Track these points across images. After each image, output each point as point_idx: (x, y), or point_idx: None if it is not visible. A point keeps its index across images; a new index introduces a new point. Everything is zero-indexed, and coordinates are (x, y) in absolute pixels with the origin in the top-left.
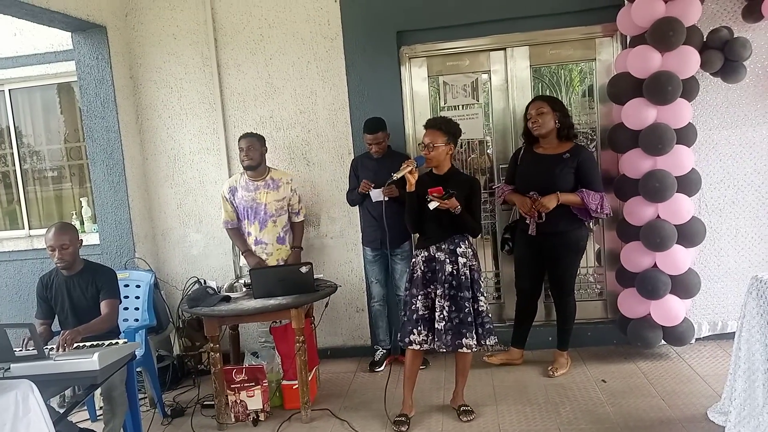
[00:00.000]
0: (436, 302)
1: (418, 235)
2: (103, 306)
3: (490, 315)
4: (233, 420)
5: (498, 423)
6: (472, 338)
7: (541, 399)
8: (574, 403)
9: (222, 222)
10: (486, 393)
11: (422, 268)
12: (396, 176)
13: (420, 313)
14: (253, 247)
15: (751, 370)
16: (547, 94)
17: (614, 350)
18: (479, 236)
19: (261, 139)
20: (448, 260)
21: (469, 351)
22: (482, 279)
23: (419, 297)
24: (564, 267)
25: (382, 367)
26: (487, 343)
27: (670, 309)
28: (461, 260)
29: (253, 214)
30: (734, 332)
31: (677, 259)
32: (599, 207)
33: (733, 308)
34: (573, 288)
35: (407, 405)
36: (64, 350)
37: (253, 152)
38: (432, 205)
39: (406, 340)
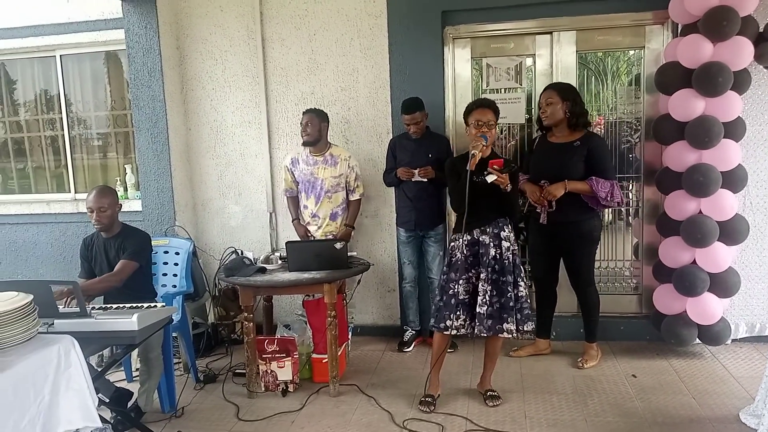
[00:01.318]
0: (480, 286)
1: (456, 218)
2: (118, 265)
3: (528, 301)
4: (263, 389)
5: (524, 410)
6: (513, 323)
7: (569, 389)
8: (602, 396)
9: (282, 190)
10: (513, 380)
11: (464, 252)
12: (475, 153)
13: (460, 297)
14: (308, 219)
15: None
16: (592, 81)
17: (647, 346)
18: (519, 220)
19: (322, 115)
20: (492, 244)
21: (510, 336)
22: (522, 264)
23: (460, 282)
24: (579, 258)
25: (410, 348)
26: (525, 328)
27: (706, 307)
28: (504, 244)
29: (311, 188)
30: None
31: (718, 256)
32: (609, 195)
33: None
34: (592, 279)
35: (434, 386)
36: (68, 306)
37: (312, 128)
38: (490, 179)
39: (442, 325)
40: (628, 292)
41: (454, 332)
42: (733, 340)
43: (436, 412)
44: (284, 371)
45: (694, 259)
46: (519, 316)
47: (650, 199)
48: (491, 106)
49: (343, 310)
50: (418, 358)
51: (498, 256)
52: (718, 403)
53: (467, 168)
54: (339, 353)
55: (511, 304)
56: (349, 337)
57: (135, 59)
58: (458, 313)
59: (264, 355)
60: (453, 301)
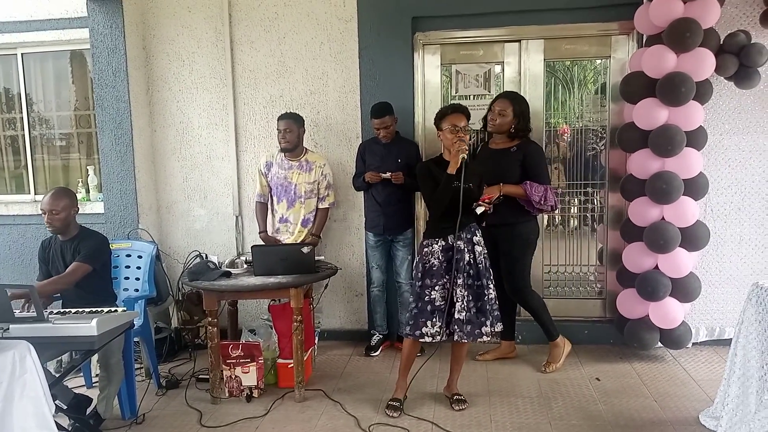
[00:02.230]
0: (457, 292)
1: (428, 224)
2: (70, 266)
3: (497, 302)
4: (227, 395)
5: (489, 414)
6: (489, 326)
7: (534, 393)
8: (567, 399)
9: (255, 194)
10: (480, 384)
11: (439, 258)
12: (463, 157)
13: (437, 304)
14: (278, 225)
15: (745, 377)
16: (559, 89)
17: (610, 350)
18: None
19: (299, 120)
20: (466, 249)
21: (488, 338)
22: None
23: (436, 288)
24: (513, 259)
25: (377, 352)
26: (496, 329)
27: (668, 311)
28: (477, 248)
29: (283, 192)
30: (731, 338)
31: (679, 262)
32: (543, 199)
33: (731, 314)
34: (527, 282)
35: (401, 388)
36: (25, 310)
37: (291, 135)
38: (479, 210)
39: (418, 332)
40: (592, 297)
41: (429, 339)
42: (693, 344)
43: (404, 416)
44: (249, 376)
45: (657, 265)
46: (491, 318)
47: (615, 206)
48: (465, 112)
49: (309, 314)
50: (385, 362)
51: (472, 261)
52: (678, 405)
53: (457, 161)
54: (305, 358)
55: (488, 307)
56: (316, 341)
57: (99, 59)
58: (434, 319)
59: (228, 361)
60: (429, 307)
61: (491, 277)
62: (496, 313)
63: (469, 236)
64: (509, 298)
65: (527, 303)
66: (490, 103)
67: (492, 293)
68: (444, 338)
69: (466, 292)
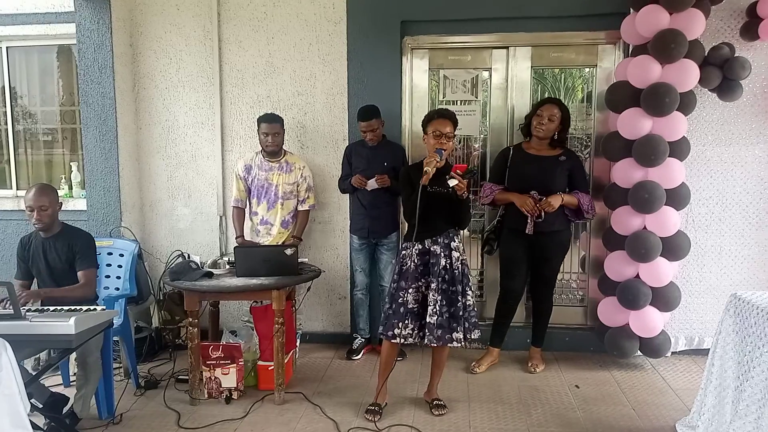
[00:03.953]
0: (429, 296)
1: (408, 227)
2: (81, 276)
3: (475, 309)
4: (206, 396)
5: (469, 420)
6: (461, 332)
7: (514, 399)
8: (546, 406)
9: (232, 199)
10: (460, 390)
11: (415, 261)
12: (429, 170)
13: (410, 306)
14: (257, 227)
15: (722, 387)
16: (548, 96)
17: (590, 357)
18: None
19: (282, 123)
20: (443, 254)
21: (459, 344)
22: (470, 274)
23: (410, 290)
24: (554, 265)
25: (359, 356)
26: (472, 337)
27: (648, 320)
28: (455, 254)
29: (264, 194)
30: (710, 348)
31: (660, 271)
32: (590, 207)
33: (710, 324)
34: (555, 287)
35: (381, 395)
36: (23, 306)
37: (278, 138)
38: (452, 182)
39: (390, 333)
40: (574, 304)
41: (401, 341)
42: (672, 353)
43: (383, 421)
44: (228, 378)
45: (638, 274)
46: (467, 324)
47: (598, 214)
48: (451, 118)
49: (291, 316)
50: (366, 366)
51: (448, 266)
52: (656, 414)
53: (420, 182)
54: (286, 360)
55: (461, 313)
56: (297, 344)
57: (85, 54)
58: (407, 321)
59: (208, 362)
60: (402, 309)
61: (469, 284)
62: (473, 320)
63: (446, 241)
64: (515, 305)
65: (549, 303)
66: (535, 108)
67: (469, 300)
68: (416, 341)
69: (439, 297)
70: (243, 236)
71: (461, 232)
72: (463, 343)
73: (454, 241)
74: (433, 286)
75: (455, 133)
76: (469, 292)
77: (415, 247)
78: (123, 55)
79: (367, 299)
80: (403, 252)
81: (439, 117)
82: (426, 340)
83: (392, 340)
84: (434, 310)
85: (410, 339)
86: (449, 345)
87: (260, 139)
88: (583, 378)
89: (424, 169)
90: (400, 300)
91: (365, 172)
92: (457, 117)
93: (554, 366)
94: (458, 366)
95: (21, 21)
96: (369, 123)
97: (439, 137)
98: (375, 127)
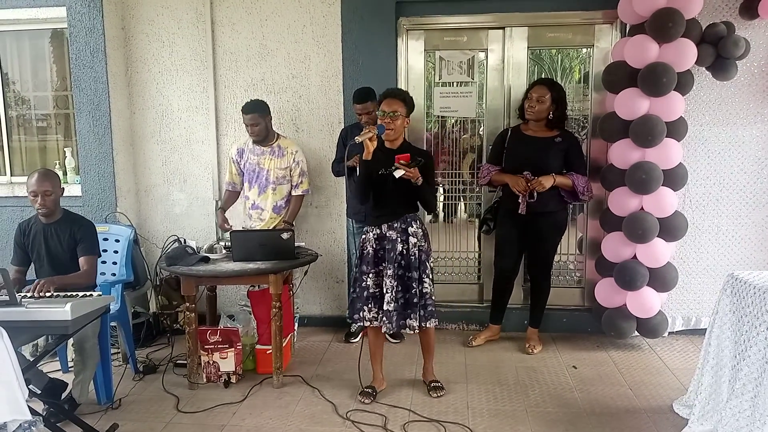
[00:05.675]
0: (386, 282)
1: (368, 211)
2: (83, 262)
3: (433, 297)
4: (204, 380)
5: (467, 401)
6: (416, 320)
7: (512, 380)
8: (543, 387)
9: (225, 182)
10: (458, 371)
11: (374, 246)
12: (357, 140)
13: (371, 290)
14: (249, 211)
15: (718, 366)
16: (539, 78)
17: (588, 338)
18: (434, 214)
19: (265, 109)
20: (399, 239)
21: (412, 332)
22: (430, 261)
23: (370, 275)
24: (548, 247)
25: (357, 339)
26: (428, 325)
27: (645, 301)
28: (412, 240)
29: (255, 178)
30: (706, 328)
31: (657, 252)
32: (585, 189)
33: (708, 305)
34: (552, 268)
35: (377, 379)
36: (37, 298)
37: (259, 128)
38: (398, 174)
39: (356, 316)
40: (571, 285)
41: (366, 324)
42: (669, 333)
43: (380, 403)
44: (227, 362)
45: (635, 254)
46: (422, 312)
47: (595, 195)
48: (398, 96)
49: (289, 300)
50: (364, 349)
51: (404, 252)
52: (653, 394)
53: (362, 157)
54: (284, 344)
55: (415, 300)
56: (295, 327)
57: (77, 38)
58: (369, 305)
59: (206, 346)
60: (365, 294)
61: (426, 271)
62: (430, 308)
63: (404, 226)
64: (509, 285)
65: (547, 287)
66: (526, 91)
67: (427, 288)
68: (378, 324)
69: (395, 283)
70: (224, 209)
71: (425, 218)
72: (416, 330)
73: (412, 227)
74: (389, 272)
75: (407, 113)
76: (427, 280)
77: (373, 232)
78: (115, 39)
79: None
80: (363, 237)
81: (385, 97)
82: (384, 328)
83: (357, 323)
84: (391, 297)
85: (375, 322)
86: (402, 331)
87: (246, 128)
88: (580, 359)
89: (356, 139)
90: (362, 284)
91: (361, 155)
92: (454, 99)
93: (552, 347)
94: (456, 348)
95: (10, 4)
96: (364, 105)
97: (384, 116)
98: (370, 109)
